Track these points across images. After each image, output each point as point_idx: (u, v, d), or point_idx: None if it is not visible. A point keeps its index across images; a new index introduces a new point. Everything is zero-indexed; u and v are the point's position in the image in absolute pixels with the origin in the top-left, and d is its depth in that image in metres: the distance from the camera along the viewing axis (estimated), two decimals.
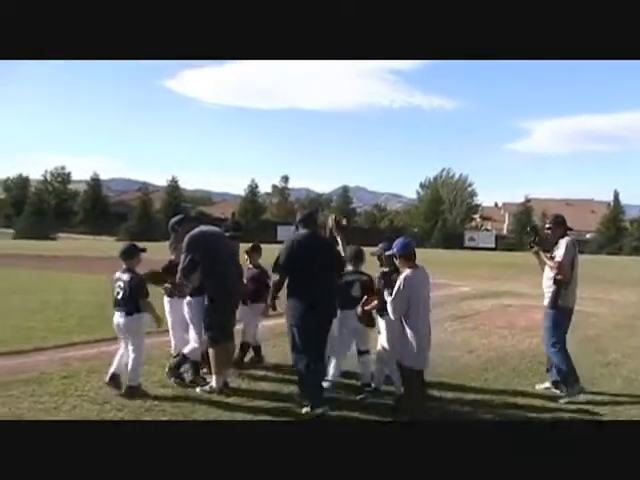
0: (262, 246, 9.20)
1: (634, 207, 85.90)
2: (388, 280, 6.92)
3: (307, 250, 7.05)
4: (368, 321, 7.35)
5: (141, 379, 7.28)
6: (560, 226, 8.01)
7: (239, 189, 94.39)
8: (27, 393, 6.97)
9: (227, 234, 8.13)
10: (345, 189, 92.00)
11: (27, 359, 8.61)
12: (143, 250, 7.48)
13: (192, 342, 7.51)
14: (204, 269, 7.30)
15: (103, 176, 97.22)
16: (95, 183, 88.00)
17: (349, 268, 7.61)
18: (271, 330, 9.92)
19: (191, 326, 7.53)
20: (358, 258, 7.65)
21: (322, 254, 7.11)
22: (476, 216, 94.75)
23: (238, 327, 8.13)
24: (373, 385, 7.40)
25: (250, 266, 8.68)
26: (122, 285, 7.26)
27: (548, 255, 7.92)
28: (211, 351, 7.41)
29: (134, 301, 7.20)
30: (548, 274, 7.89)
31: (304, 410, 6.68)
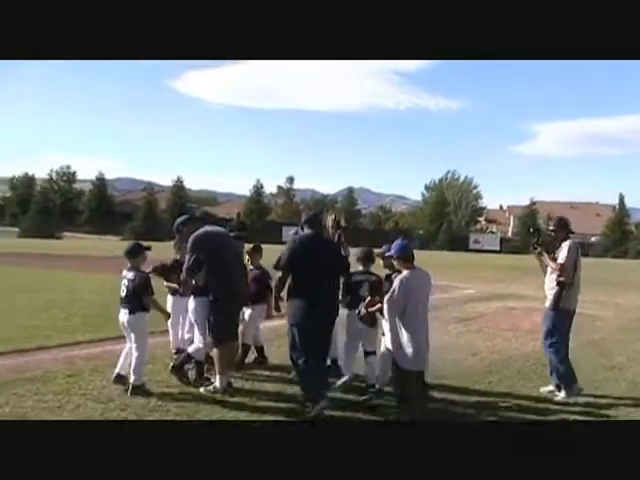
0: (267, 247, 9.22)
1: (639, 210, 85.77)
2: (391, 282, 6.93)
3: (310, 250, 7.08)
4: (371, 322, 7.36)
5: (145, 378, 7.30)
6: (563, 229, 8.02)
7: (244, 189, 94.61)
8: (31, 391, 6.98)
9: (232, 234, 8.14)
10: (350, 190, 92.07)
11: (31, 358, 8.63)
12: (148, 248, 7.55)
13: (196, 342, 7.51)
14: (209, 269, 7.31)
15: (108, 176, 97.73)
16: (100, 182, 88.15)
17: (359, 268, 7.64)
18: (275, 331, 9.92)
19: (195, 326, 7.53)
20: (368, 259, 7.68)
21: (325, 255, 7.14)
22: (481, 219, 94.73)
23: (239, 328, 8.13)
24: (377, 386, 7.40)
25: (251, 267, 8.67)
26: (127, 283, 7.35)
27: (551, 257, 7.93)
28: (215, 351, 7.42)
29: (138, 299, 7.26)
30: (550, 276, 7.90)
31: (307, 410, 6.70)
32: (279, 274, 7.24)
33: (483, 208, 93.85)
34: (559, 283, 7.67)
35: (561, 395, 7.71)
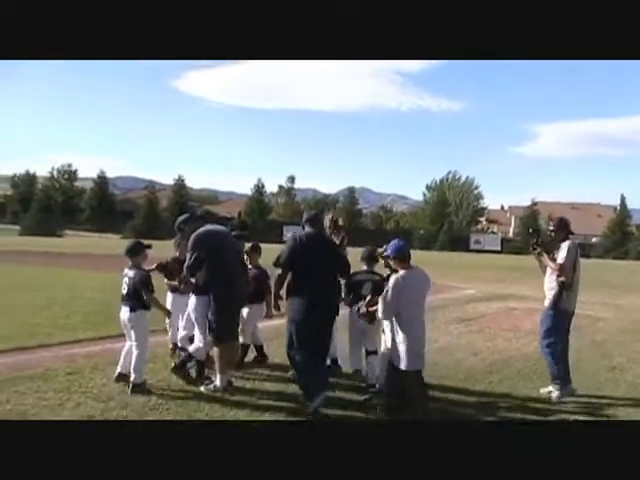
0: (268, 246, 9.22)
1: None
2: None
3: (310, 249, 7.12)
4: (370, 319, 7.36)
5: (145, 377, 7.30)
6: (563, 229, 8.02)
7: (245, 188, 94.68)
8: (32, 389, 6.98)
9: (233, 233, 8.15)
10: (351, 190, 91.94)
11: (32, 355, 8.63)
12: (148, 247, 7.59)
13: (196, 341, 7.51)
14: (209, 267, 7.31)
15: (110, 174, 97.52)
16: (102, 181, 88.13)
17: (363, 267, 7.67)
18: (276, 330, 9.91)
19: (196, 325, 7.53)
20: (372, 258, 7.71)
21: (325, 254, 7.19)
22: (482, 219, 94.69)
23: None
24: (377, 386, 7.40)
25: (250, 266, 8.66)
26: (128, 281, 7.38)
27: (550, 257, 7.94)
28: (215, 350, 7.42)
29: (138, 297, 7.28)
30: (550, 276, 7.91)
31: (307, 409, 6.72)
32: (278, 272, 7.29)
33: (484, 208, 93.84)
34: (561, 284, 7.68)
35: (554, 395, 7.72)
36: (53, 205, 78.66)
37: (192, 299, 7.56)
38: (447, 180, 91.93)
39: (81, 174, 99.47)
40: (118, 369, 7.47)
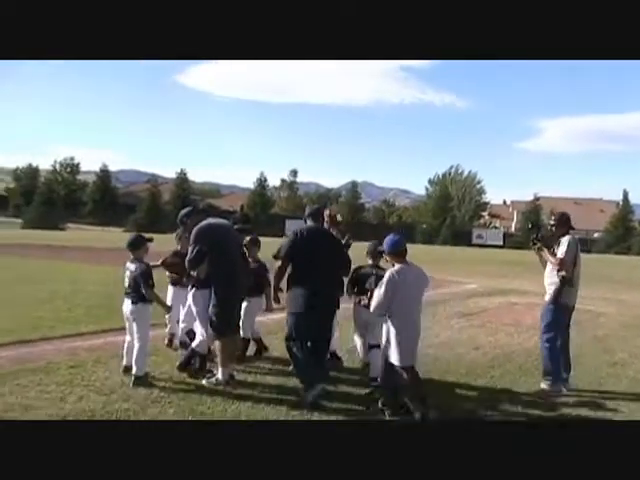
0: (271, 240, 9.23)
1: None
2: None
3: (310, 242, 7.20)
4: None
5: (148, 369, 7.32)
6: (564, 224, 8.03)
7: (248, 182, 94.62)
8: (34, 382, 7.00)
9: (235, 227, 8.16)
10: (354, 184, 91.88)
11: (35, 348, 8.64)
12: (150, 240, 7.61)
13: (198, 335, 7.52)
14: (211, 261, 7.32)
15: (112, 167, 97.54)
16: (104, 174, 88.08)
17: (368, 262, 7.69)
18: (278, 323, 9.92)
19: (197, 319, 7.54)
20: (377, 252, 7.71)
21: (326, 248, 7.26)
22: (484, 214, 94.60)
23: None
24: (379, 380, 7.41)
25: (249, 260, 8.66)
26: (129, 275, 7.43)
27: (550, 252, 7.94)
28: (217, 344, 7.43)
29: (139, 290, 7.32)
30: (550, 271, 7.92)
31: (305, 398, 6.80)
32: (278, 264, 7.34)
33: (487, 203, 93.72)
34: (562, 278, 7.69)
35: (543, 385, 7.75)
36: (56, 198, 78.63)
37: (193, 292, 7.57)
38: (450, 174, 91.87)
39: (84, 167, 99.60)
40: (123, 362, 7.53)
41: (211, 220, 7.65)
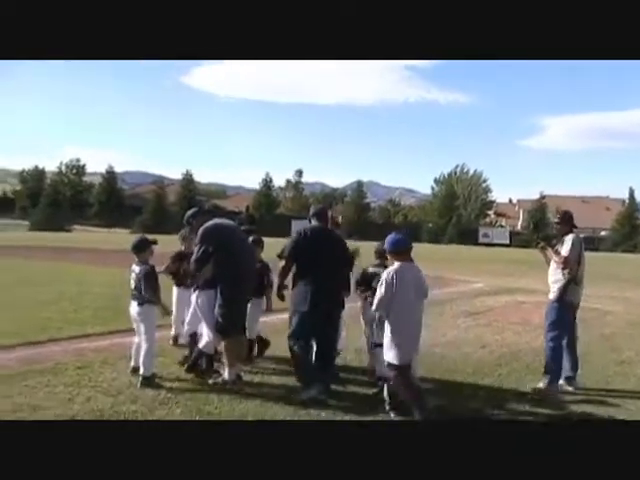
0: (277, 240, 9.25)
1: None
2: None
3: (314, 242, 7.25)
4: None
5: (155, 370, 7.34)
6: (568, 222, 8.02)
7: (254, 183, 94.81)
8: (42, 383, 7.02)
9: (242, 227, 8.19)
10: (359, 184, 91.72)
11: (42, 350, 8.67)
12: (154, 242, 7.64)
13: (205, 336, 7.53)
14: (217, 261, 7.34)
15: (118, 169, 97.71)
16: (110, 176, 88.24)
17: (376, 261, 7.71)
18: (285, 322, 9.92)
19: (203, 320, 7.55)
20: (383, 252, 7.72)
21: (330, 248, 7.33)
22: (490, 212, 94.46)
23: None
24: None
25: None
26: (134, 277, 7.46)
27: (554, 250, 7.93)
28: (223, 344, 7.45)
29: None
30: (554, 269, 7.90)
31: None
32: (282, 263, 7.40)
33: (492, 202, 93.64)
34: (570, 277, 7.67)
35: (539, 385, 7.72)
36: (61, 200, 78.89)
37: (199, 293, 7.59)
38: (455, 173, 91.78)
39: (89, 169, 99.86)
40: (131, 363, 7.56)
41: (217, 220, 7.67)
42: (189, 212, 8.17)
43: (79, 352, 8.61)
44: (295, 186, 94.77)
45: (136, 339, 7.59)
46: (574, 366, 7.97)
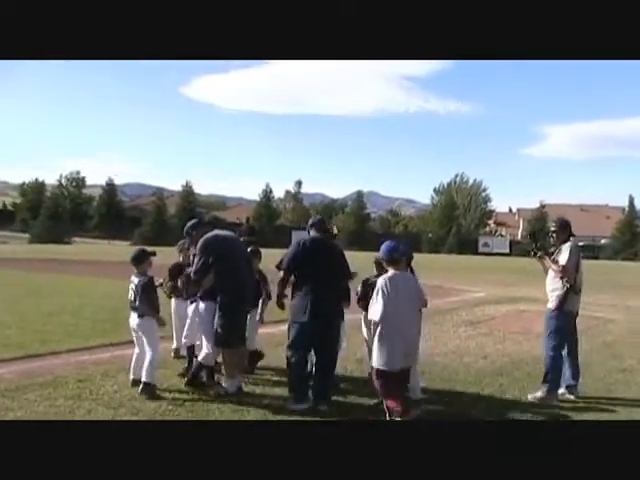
0: (277, 251, 9.24)
1: None
2: None
3: (313, 253, 7.25)
4: None
5: (156, 383, 7.32)
6: (564, 230, 8.00)
7: (254, 194, 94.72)
8: (43, 396, 7.00)
9: (242, 239, 8.20)
10: (359, 194, 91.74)
11: (43, 362, 8.66)
12: (153, 254, 7.67)
13: (205, 348, 7.51)
14: (217, 272, 7.34)
15: (118, 181, 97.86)
16: (110, 188, 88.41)
17: (374, 272, 7.71)
18: (286, 334, 9.92)
19: (203, 331, 7.53)
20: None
21: (328, 258, 7.32)
22: (490, 221, 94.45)
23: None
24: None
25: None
26: (134, 288, 7.49)
27: (552, 259, 7.90)
28: (223, 355, 7.44)
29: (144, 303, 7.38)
30: (552, 278, 7.88)
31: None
32: (280, 274, 7.39)
33: (492, 211, 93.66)
34: (569, 285, 7.66)
35: (538, 395, 7.69)
36: (62, 212, 78.89)
37: (198, 304, 7.59)
38: (455, 183, 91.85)
39: (89, 181, 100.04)
40: (131, 376, 7.55)
41: (218, 232, 7.68)
42: (189, 223, 8.18)
43: (80, 365, 8.59)
44: (295, 197, 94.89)
45: (136, 350, 7.60)
46: (575, 374, 7.95)
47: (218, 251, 7.39)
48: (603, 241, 76.48)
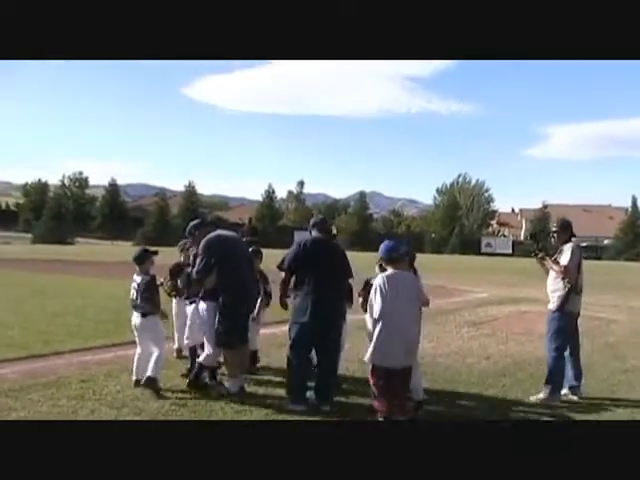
0: (280, 251, 9.25)
1: None
2: None
3: (314, 253, 7.23)
4: None
5: (160, 384, 7.34)
6: (566, 231, 7.99)
7: (256, 194, 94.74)
8: (46, 397, 7.01)
9: (244, 239, 8.20)
10: (362, 195, 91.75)
11: (46, 363, 8.68)
12: (155, 253, 7.72)
13: (206, 349, 7.52)
14: (220, 272, 7.34)
15: (121, 181, 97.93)
16: (113, 188, 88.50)
17: (377, 271, 7.71)
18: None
19: (205, 332, 7.53)
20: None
21: (329, 259, 7.30)
22: (493, 222, 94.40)
23: None
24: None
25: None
26: (136, 287, 7.54)
27: (553, 260, 7.89)
28: (225, 355, 7.44)
29: (147, 302, 7.45)
30: (553, 279, 7.87)
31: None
32: (282, 275, 7.40)
33: (495, 211, 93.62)
34: (570, 286, 7.65)
35: (540, 396, 7.69)
36: (65, 213, 78.95)
37: (199, 305, 7.59)
38: (457, 183, 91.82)
39: (92, 182, 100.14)
40: (134, 377, 7.57)
41: (220, 232, 7.68)
42: (192, 223, 8.20)
43: (83, 365, 8.61)
44: (297, 197, 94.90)
45: (138, 350, 7.62)
46: (578, 375, 7.95)
47: (220, 251, 7.40)
48: (606, 241, 76.37)
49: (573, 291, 7.68)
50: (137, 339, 7.68)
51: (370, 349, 6.29)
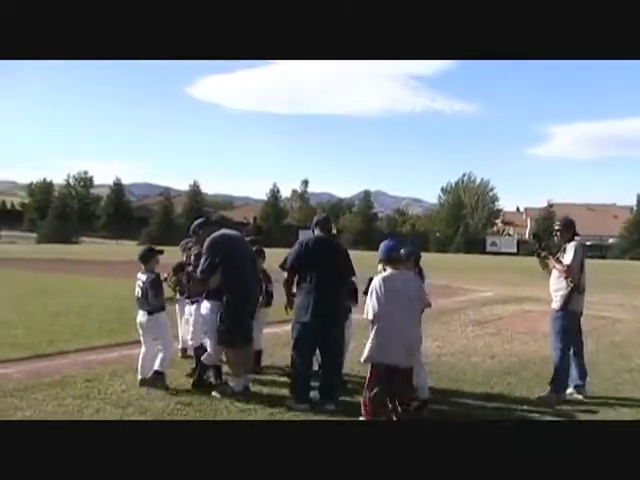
0: (284, 250, 9.25)
1: None
2: None
3: (317, 252, 7.23)
4: None
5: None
6: (569, 229, 7.97)
7: (261, 193, 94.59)
8: (51, 396, 7.02)
9: (248, 238, 8.20)
10: (367, 194, 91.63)
11: (51, 362, 8.69)
12: (160, 252, 7.76)
13: (208, 349, 7.51)
14: (224, 272, 7.34)
15: (125, 181, 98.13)
16: (117, 188, 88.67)
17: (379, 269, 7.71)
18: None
19: (208, 331, 7.53)
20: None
21: (332, 257, 7.30)
22: (498, 221, 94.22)
23: None
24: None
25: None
26: (141, 285, 7.59)
27: (556, 259, 7.87)
28: (229, 354, 7.44)
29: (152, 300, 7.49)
30: (556, 278, 7.85)
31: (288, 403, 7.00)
32: (285, 274, 7.40)
33: (500, 210, 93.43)
34: (573, 285, 7.63)
35: (544, 394, 7.68)
36: (69, 212, 79.17)
37: (203, 304, 7.59)
38: (462, 182, 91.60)
39: (97, 181, 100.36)
40: (139, 376, 7.58)
41: (224, 231, 7.68)
42: (195, 222, 8.20)
43: (87, 364, 8.62)
44: (301, 196, 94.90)
45: (143, 349, 7.64)
46: (582, 374, 7.93)
47: (224, 251, 7.40)
48: (611, 240, 76.18)
49: (576, 290, 7.66)
50: (142, 338, 7.70)
51: (366, 349, 6.28)
